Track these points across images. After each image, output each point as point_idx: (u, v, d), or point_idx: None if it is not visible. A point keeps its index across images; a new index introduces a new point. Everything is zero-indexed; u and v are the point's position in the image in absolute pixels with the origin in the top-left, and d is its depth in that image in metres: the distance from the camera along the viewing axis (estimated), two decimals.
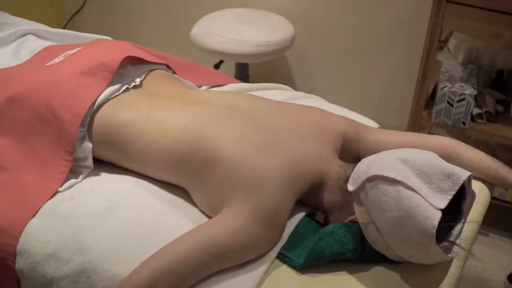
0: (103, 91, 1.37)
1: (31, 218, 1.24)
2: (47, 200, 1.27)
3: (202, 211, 1.26)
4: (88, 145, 1.34)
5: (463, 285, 1.97)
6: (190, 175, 1.25)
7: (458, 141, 1.41)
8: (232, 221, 1.14)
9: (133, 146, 1.31)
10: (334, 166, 1.27)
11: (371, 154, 1.25)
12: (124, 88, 1.41)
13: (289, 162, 1.21)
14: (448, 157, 1.33)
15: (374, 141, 1.38)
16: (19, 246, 1.22)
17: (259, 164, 1.19)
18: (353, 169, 1.22)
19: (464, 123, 2.13)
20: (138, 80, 1.45)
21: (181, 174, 1.27)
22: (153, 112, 1.33)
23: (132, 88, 1.43)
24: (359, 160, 1.23)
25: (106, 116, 1.35)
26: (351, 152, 1.36)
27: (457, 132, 2.19)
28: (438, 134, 2.39)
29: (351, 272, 1.17)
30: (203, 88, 1.67)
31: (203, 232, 1.14)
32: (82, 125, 1.33)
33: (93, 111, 1.35)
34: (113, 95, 1.38)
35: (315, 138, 1.30)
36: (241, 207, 1.15)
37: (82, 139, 1.34)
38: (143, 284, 1.06)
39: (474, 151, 1.39)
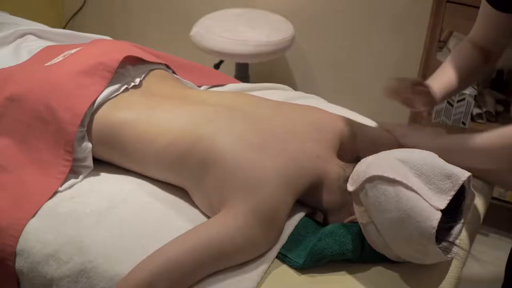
0: (102, 91, 1.37)
1: (31, 218, 1.24)
2: (47, 200, 1.27)
3: (202, 212, 1.26)
4: (87, 145, 1.34)
5: (463, 285, 1.97)
6: (189, 175, 1.25)
7: None
8: (231, 221, 1.14)
9: (132, 146, 1.31)
10: (333, 165, 1.27)
11: (367, 152, 1.25)
12: (123, 88, 1.41)
13: (287, 161, 1.21)
14: None
15: (370, 138, 1.38)
16: (19, 246, 1.21)
17: (257, 164, 1.18)
18: (352, 169, 1.22)
19: (464, 123, 2.13)
20: (137, 80, 1.45)
21: (180, 174, 1.27)
22: (153, 112, 1.33)
23: (131, 88, 1.43)
24: (359, 160, 1.23)
25: (106, 116, 1.35)
26: (349, 150, 1.36)
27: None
28: None
29: (351, 272, 1.17)
30: (203, 88, 1.67)
31: (201, 232, 1.13)
32: (81, 125, 1.33)
33: (92, 111, 1.35)
34: (113, 95, 1.38)
35: (313, 137, 1.30)
36: (239, 207, 1.15)
37: (82, 139, 1.34)
38: (141, 284, 1.06)
39: None
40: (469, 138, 1.24)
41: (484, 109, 2.17)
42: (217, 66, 2.62)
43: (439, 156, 1.18)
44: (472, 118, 2.15)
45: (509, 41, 1.44)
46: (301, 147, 1.27)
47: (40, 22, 2.04)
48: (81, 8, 3.16)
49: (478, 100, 2.17)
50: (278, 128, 1.29)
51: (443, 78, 1.43)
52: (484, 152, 1.21)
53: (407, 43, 2.49)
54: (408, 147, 1.30)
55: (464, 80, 1.44)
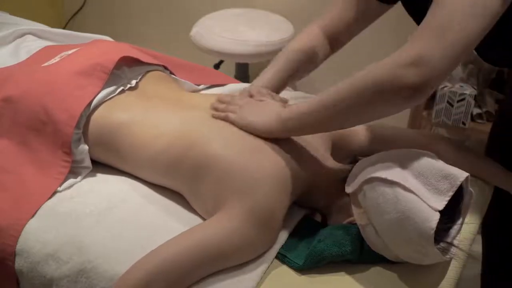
0: (98, 92, 1.37)
1: (31, 218, 1.24)
2: (47, 200, 1.27)
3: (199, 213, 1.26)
4: (84, 147, 1.34)
5: (463, 285, 1.96)
6: (185, 178, 1.24)
7: (442, 139, 1.41)
8: (227, 223, 1.13)
9: (127, 148, 1.31)
10: (331, 167, 1.27)
11: (359, 150, 1.25)
12: (119, 90, 1.40)
13: (283, 163, 1.21)
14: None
15: (357, 137, 1.39)
16: (18, 246, 1.21)
17: (253, 166, 1.18)
18: (350, 171, 1.22)
19: (464, 123, 2.13)
20: (133, 82, 1.44)
21: (176, 179, 1.26)
22: (148, 114, 1.33)
23: (127, 90, 1.42)
24: (356, 161, 1.23)
25: (102, 118, 1.34)
26: (343, 151, 1.36)
27: (457, 132, 2.19)
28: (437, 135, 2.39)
29: (350, 272, 1.17)
30: (201, 87, 1.67)
31: (198, 232, 1.13)
32: (77, 127, 1.32)
33: (88, 112, 1.35)
34: (109, 97, 1.38)
35: (310, 138, 1.30)
36: (235, 208, 1.14)
37: (78, 141, 1.33)
38: (138, 284, 1.06)
39: (454, 152, 1.37)
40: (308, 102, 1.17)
41: (484, 109, 2.17)
42: (217, 66, 2.62)
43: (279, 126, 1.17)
44: (472, 118, 2.15)
45: (360, 30, 1.40)
46: (297, 148, 1.27)
47: (40, 22, 2.04)
48: (81, 8, 3.16)
49: (478, 100, 2.17)
50: None
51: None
52: (333, 99, 1.11)
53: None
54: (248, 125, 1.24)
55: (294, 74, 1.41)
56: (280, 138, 1.25)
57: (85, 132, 1.35)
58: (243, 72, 2.64)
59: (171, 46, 2.89)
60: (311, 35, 1.42)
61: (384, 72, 1.03)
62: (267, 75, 1.42)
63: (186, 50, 2.67)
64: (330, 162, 1.29)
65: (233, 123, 1.26)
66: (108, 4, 3.10)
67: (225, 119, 1.26)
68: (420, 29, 1.02)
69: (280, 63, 1.42)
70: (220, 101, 1.32)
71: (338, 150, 1.36)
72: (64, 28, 3.15)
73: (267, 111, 1.25)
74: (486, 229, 1.58)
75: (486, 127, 2.14)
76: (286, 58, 1.43)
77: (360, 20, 1.39)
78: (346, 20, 1.38)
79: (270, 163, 1.19)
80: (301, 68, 1.43)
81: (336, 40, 1.42)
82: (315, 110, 1.15)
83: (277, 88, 1.41)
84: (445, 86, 2.11)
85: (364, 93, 1.05)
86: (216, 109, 1.30)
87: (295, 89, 1.90)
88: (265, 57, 2.44)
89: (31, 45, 1.77)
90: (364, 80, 1.06)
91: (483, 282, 1.68)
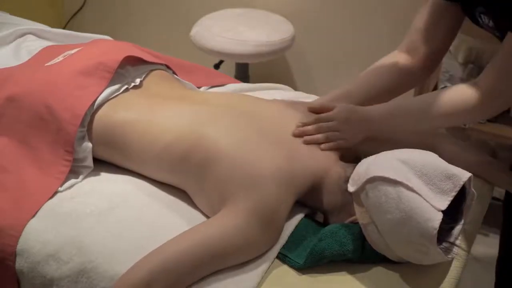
0: (102, 91, 1.37)
1: (31, 218, 1.24)
2: (47, 200, 1.27)
3: (202, 212, 1.26)
4: (88, 145, 1.34)
5: (463, 285, 1.96)
6: (190, 175, 1.25)
7: (445, 139, 1.41)
8: (230, 221, 1.13)
9: (133, 146, 1.31)
10: (334, 166, 1.27)
11: (364, 150, 1.25)
12: (124, 88, 1.41)
13: (288, 161, 1.21)
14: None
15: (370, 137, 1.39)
16: (19, 246, 1.21)
17: (258, 163, 1.19)
18: (353, 170, 1.22)
19: (464, 123, 2.13)
20: (138, 81, 1.44)
21: (181, 174, 1.26)
22: (153, 112, 1.33)
23: (131, 88, 1.43)
24: (359, 161, 1.23)
25: (106, 116, 1.35)
26: (348, 150, 1.36)
27: (457, 132, 2.19)
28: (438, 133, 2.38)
29: (351, 272, 1.17)
30: (203, 89, 1.67)
31: (200, 231, 1.13)
32: (81, 125, 1.33)
33: (92, 111, 1.35)
34: (113, 95, 1.38)
35: None
36: (239, 206, 1.15)
37: (82, 139, 1.34)
38: (139, 283, 1.06)
39: (457, 152, 1.38)
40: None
41: None
42: (217, 66, 2.62)
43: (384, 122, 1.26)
44: None
45: (452, 39, 1.42)
46: (302, 147, 1.27)
47: (40, 22, 2.04)
48: (81, 8, 3.16)
49: None
50: (280, 128, 1.29)
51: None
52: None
53: None
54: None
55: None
56: (285, 138, 1.26)
57: (89, 131, 1.35)
58: (243, 72, 2.64)
59: (171, 46, 2.89)
60: (388, 56, 1.50)
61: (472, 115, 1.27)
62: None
63: (186, 50, 2.67)
64: (334, 162, 1.29)
65: (348, 146, 1.33)
66: (108, 4, 3.09)
67: (339, 147, 1.32)
68: (495, 75, 1.21)
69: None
70: (311, 129, 1.32)
71: (344, 150, 1.36)
72: (64, 28, 3.15)
73: (357, 122, 1.32)
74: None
75: (486, 127, 2.14)
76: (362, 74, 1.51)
77: (440, 29, 1.40)
78: (424, 32, 1.43)
79: (275, 162, 1.20)
80: (378, 79, 1.53)
81: (418, 51, 1.46)
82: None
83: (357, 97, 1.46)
84: (445, 86, 2.10)
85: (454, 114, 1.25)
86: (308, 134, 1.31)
87: (296, 89, 1.90)
88: (265, 57, 2.44)
89: (31, 45, 1.77)
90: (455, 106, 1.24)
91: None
